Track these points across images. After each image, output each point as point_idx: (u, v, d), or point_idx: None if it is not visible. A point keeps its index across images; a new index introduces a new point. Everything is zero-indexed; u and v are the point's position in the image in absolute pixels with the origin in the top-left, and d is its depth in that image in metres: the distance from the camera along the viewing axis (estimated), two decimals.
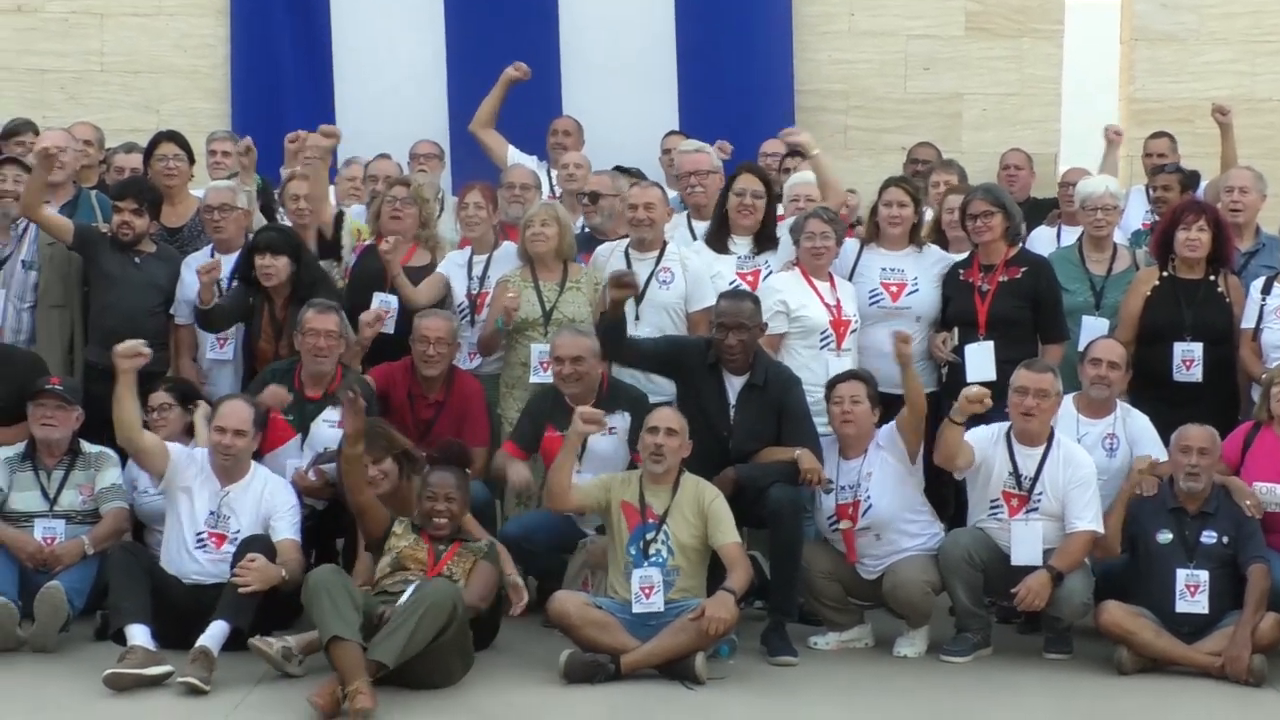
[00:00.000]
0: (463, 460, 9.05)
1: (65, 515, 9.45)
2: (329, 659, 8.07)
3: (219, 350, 10.23)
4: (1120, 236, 10.86)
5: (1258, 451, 9.44)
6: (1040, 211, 11.62)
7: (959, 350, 9.95)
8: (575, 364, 9.38)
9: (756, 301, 9.54)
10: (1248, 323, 10.05)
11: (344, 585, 8.27)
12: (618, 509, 8.94)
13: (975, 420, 9.17)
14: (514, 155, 12.08)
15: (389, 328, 10.08)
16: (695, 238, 10.43)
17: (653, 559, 8.83)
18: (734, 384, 9.45)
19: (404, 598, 8.20)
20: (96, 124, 12.09)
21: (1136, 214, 11.45)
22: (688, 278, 10.06)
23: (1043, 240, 11.19)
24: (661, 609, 8.71)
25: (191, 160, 11.26)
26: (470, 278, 10.42)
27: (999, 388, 9.30)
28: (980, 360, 9.78)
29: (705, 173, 10.73)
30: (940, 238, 10.68)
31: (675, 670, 8.60)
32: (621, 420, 9.52)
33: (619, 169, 11.39)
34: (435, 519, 8.66)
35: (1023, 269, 10.06)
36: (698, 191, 10.65)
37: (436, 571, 8.52)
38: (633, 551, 8.86)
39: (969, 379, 9.54)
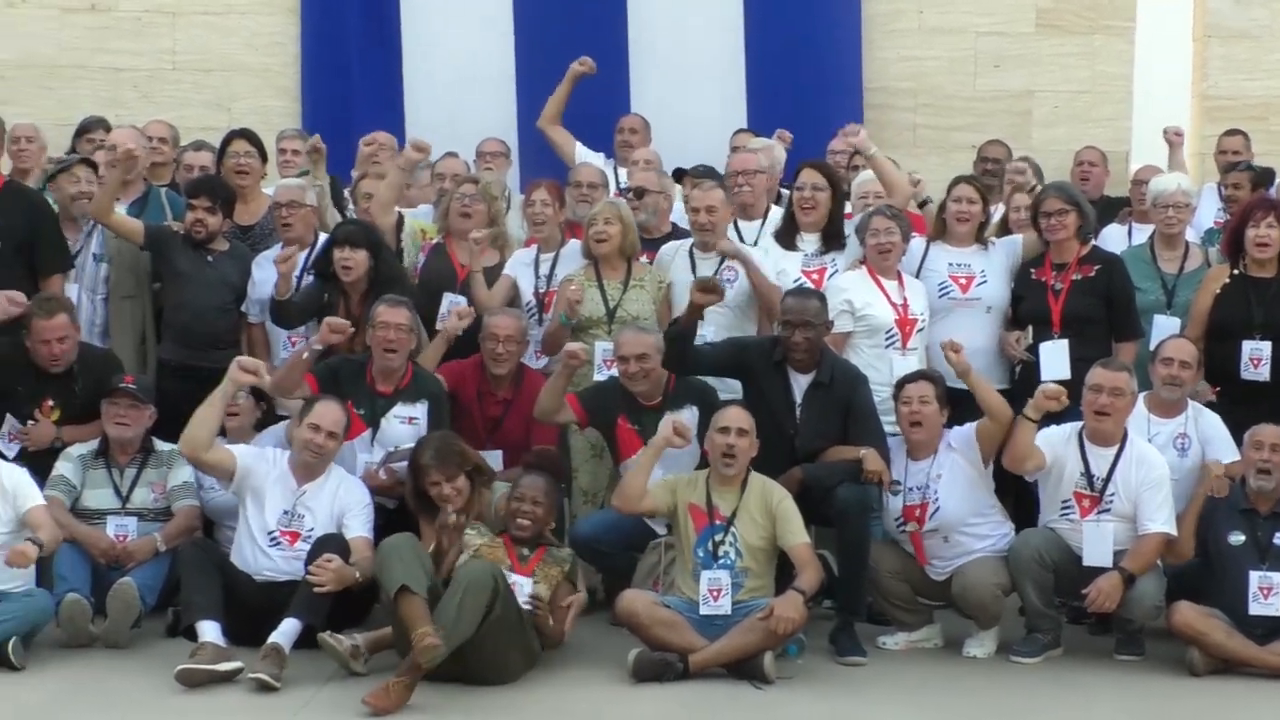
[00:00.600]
0: (557, 472, 9.05)
1: (137, 513, 9.51)
2: (395, 613, 8.15)
3: (292, 349, 10.22)
4: (1192, 235, 10.79)
5: None
6: (1112, 210, 11.55)
7: (1033, 349, 9.91)
8: (640, 361, 9.37)
9: (823, 299, 9.53)
10: None
11: (415, 550, 8.35)
12: (684, 511, 8.92)
13: (1048, 419, 9.12)
14: (581, 153, 12.09)
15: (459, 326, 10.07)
16: (741, 237, 10.40)
17: (721, 561, 8.81)
18: (800, 382, 9.41)
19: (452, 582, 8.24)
20: (169, 122, 12.11)
21: (1209, 212, 11.36)
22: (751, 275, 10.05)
23: (1114, 238, 11.09)
24: (729, 611, 8.70)
25: (264, 158, 11.28)
26: (537, 276, 10.42)
27: (1074, 386, 9.25)
28: (1055, 359, 9.74)
29: (752, 172, 10.71)
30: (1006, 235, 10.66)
31: (744, 669, 8.57)
32: (690, 414, 9.49)
33: (695, 169, 11.32)
34: (519, 519, 8.66)
35: (1096, 267, 10.04)
36: (744, 191, 10.63)
37: (525, 574, 8.56)
38: (700, 553, 8.84)
39: (1043, 378, 9.51)
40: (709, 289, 9.29)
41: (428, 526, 8.94)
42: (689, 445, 9.15)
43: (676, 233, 10.68)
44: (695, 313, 9.35)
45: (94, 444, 9.65)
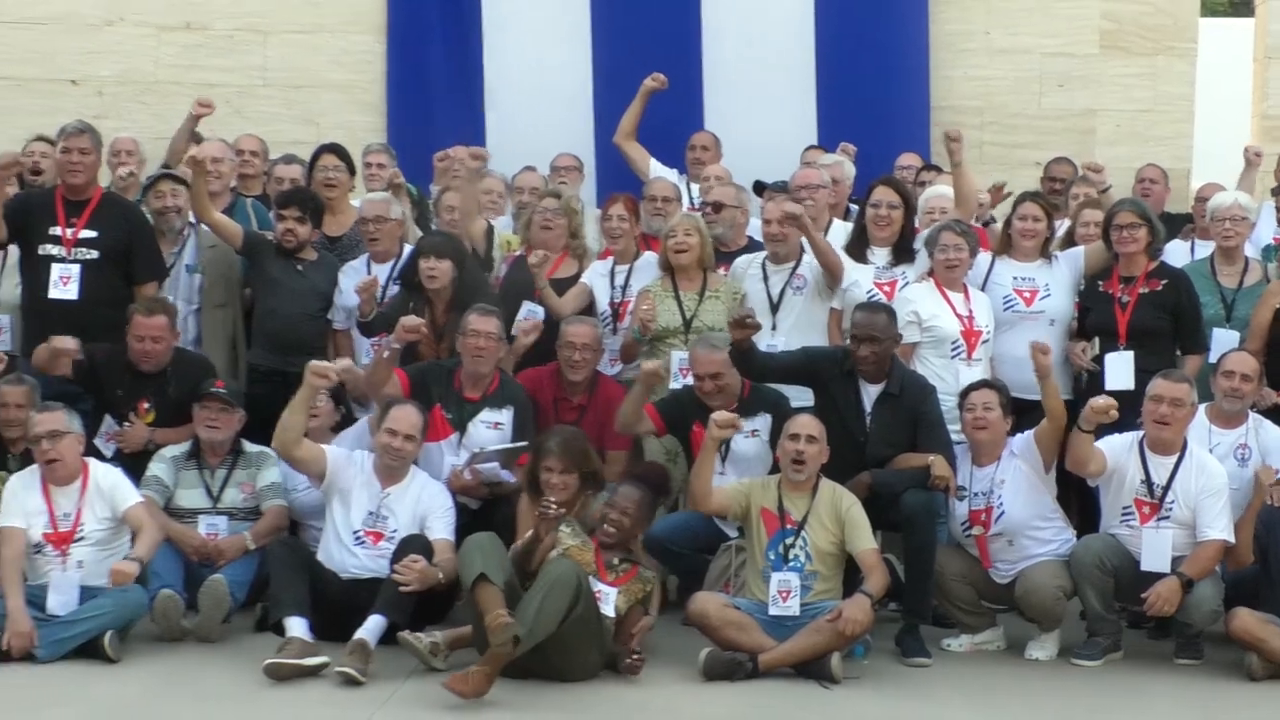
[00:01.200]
0: (660, 487, 9.06)
1: (227, 512, 9.58)
2: (472, 601, 8.17)
3: (372, 353, 10.27)
4: (1252, 251, 10.73)
5: None
6: (1172, 226, 11.49)
7: (1098, 359, 9.90)
8: (715, 380, 9.42)
9: (891, 313, 9.54)
10: None
11: (497, 546, 8.35)
12: (757, 514, 8.94)
13: (1107, 429, 9.09)
14: (655, 168, 12.08)
15: (535, 334, 10.13)
16: (804, 250, 10.35)
17: (791, 564, 8.83)
18: (870, 392, 9.43)
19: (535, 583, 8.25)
20: (259, 136, 12.21)
21: (1268, 229, 11.27)
22: (821, 286, 10.08)
23: (1177, 254, 11.02)
24: (798, 613, 8.72)
25: (352, 171, 11.36)
26: (613, 287, 10.47)
27: (1137, 397, 9.24)
28: (1120, 369, 9.74)
29: (814, 187, 10.77)
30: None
31: (811, 669, 8.58)
32: (763, 422, 9.55)
33: (773, 184, 11.34)
34: (606, 525, 8.69)
35: (1164, 281, 10.03)
36: (808, 205, 10.59)
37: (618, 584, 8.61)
38: (771, 556, 8.86)
39: (1108, 387, 9.53)
40: (744, 325, 9.34)
41: (531, 510, 8.94)
42: (739, 432, 9.21)
43: (752, 246, 10.67)
44: (741, 343, 9.41)
45: (186, 446, 9.72)
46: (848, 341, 9.50)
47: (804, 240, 10.18)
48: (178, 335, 10.10)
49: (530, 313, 10.21)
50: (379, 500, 9.17)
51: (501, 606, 7.96)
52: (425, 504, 9.17)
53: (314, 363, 9.17)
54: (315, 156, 11.32)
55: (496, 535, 8.61)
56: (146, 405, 9.92)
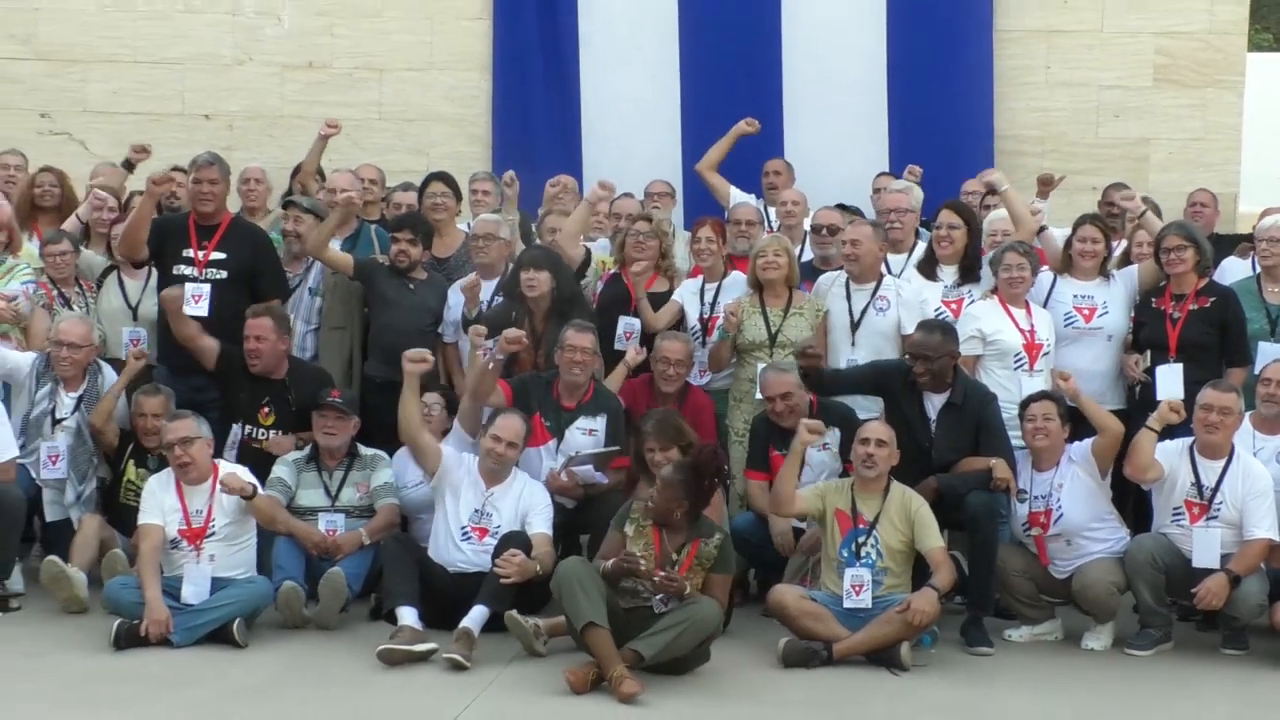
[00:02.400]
0: (712, 469, 8.91)
1: (344, 510, 9.61)
2: (581, 643, 8.17)
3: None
4: None
5: None
6: (1221, 246, 11.39)
7: (1150, 371, 9.84)
8: (785, 400, 9.42)
9: (945, 332, 9.50)
10: None
11: (592, 576, 8.31)
12: (832, 515, 8.93)
13: (1161, 434, 9.07)
14: (736, 195, 12.05)
15: (633, 346, 10.16)
16: (889, 269, 10.37)
17: (863, 560, 8.82)
18: (934, 402, 9.42)
19: (673, 611, 8.25)
20: (377, 165, 12.28)
21: None
22: (901, 305, 10.03)
23: (1236, 271, 10.90)
24: (869, 605, 8.72)
25: (458, 197, 11.37)
26: (702, 303, 10.43)
27: (1186, 406, 9.19)
28: (1170, 381, 9.66)
29: (903, 211, 10.78)
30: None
31: (882, 657, 8.58)
32: (833, 435, 9.52)
33: (841, 206, 11.34)
34: (663, 506, 8.51)
35: (1212, 299, 9.95)
36: (895, 227, 10.65)
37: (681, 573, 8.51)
38: (845, 553, 8.86)
39: (1159, 398, 9.44)
40: (808, 355, 9.48)
41: (645, 486, 9.03)
42: (823, 439, 9.19)
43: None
44: (812, 370, 9.51)
45: (306, 450, 9.79)
46: (907, 359, 9.50)
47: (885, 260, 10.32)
48: (286, 340, 10.12)
49: (628, 326, 10.25)
50: (484, 499, 9.21)
51: (618, 660, 7.98)
52: (526, 502, 9.21)
53: (409, 351, 9.28)
54: (424, 184, 11.33)
55: (586, 560, 8.68)
56: (266, 409, 10.00)
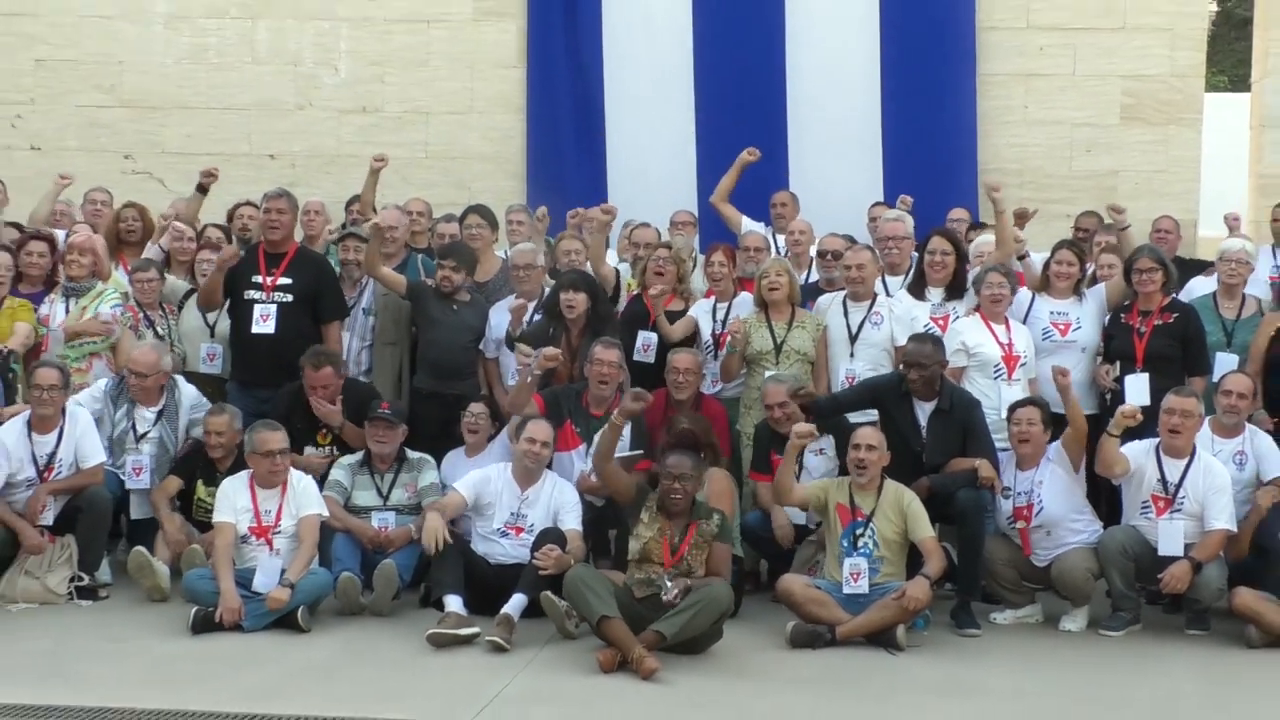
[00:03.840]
0: (695, 443, 8.97)
1: (395, 508, 9.62)
2: (600, 634, 8.21)
3: (517, 377, 10.34)
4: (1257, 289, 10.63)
5: None
6: (1182, 269, 11.34)
7: (1119, 380, 9.84)
8: (782, 408, 9.43)
9: (936, 343, 9.54)
10: None
11: (597, 577, 8.42)
12: (833, 509, 8.94)
13: (1130, 436, 9.08)
14: (746, 223, 12.01)
15: (650, 358, 10.16)
16: (888, 291, 10.37)
17: (861, 550, 8.83)
18: (924, 409, 9.41)
19: (691, 594, 8.27)
20: (425, 199, 12.28)
21: (1265, 269, 11.12)
22: (894, 320, 10.02)
23: (1203, 287, 10.83)
24: (866, 591, 8.72)
25: (494, 228, 11.36)
26: (714, 321, 10.42)
27: (1152, 412, 9.19)
28: (1137, 388, 9.66)
29: (900, 238, 10.71)
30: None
31: (880, 639, 8.58)
32: (828, 442, 9.55)
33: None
34: (673, 495, 8.56)
35: (1174, 315, 9.97)
36: (893, 252, 10.62)
37: (674, 563, 8.50)
38: (844, 544, 8.86)
39: (1127, 404, 9.42)
40: (796, 395, 9.49)
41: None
42: (814, 440, 9.16)
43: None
44: (808, 403, 9.52)
45: (360, 455, 9.79)
46: (901, 368, 9.50)
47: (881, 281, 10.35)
48: (343, 376, 10.14)
49: (646, 340, 10.25)
50: (519, 500, 9.22)
51: (636, 643, 8.04)
52: (557, 501, 9.22)
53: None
54: (463, 215, 11.33)
55: (590, 565, 8.76)
56: (324, 431, 10.04)
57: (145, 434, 9.91)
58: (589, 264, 10.89)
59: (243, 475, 9.29)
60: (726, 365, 10.17)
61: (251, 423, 9.56)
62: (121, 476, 9.82)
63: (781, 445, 9.29)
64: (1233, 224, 12.21)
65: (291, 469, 9.34)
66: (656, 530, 8.58)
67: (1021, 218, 11.68)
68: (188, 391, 10.14)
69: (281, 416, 9.68)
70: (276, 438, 9.22)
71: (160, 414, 9.96)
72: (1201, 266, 11.24)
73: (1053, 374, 9.39)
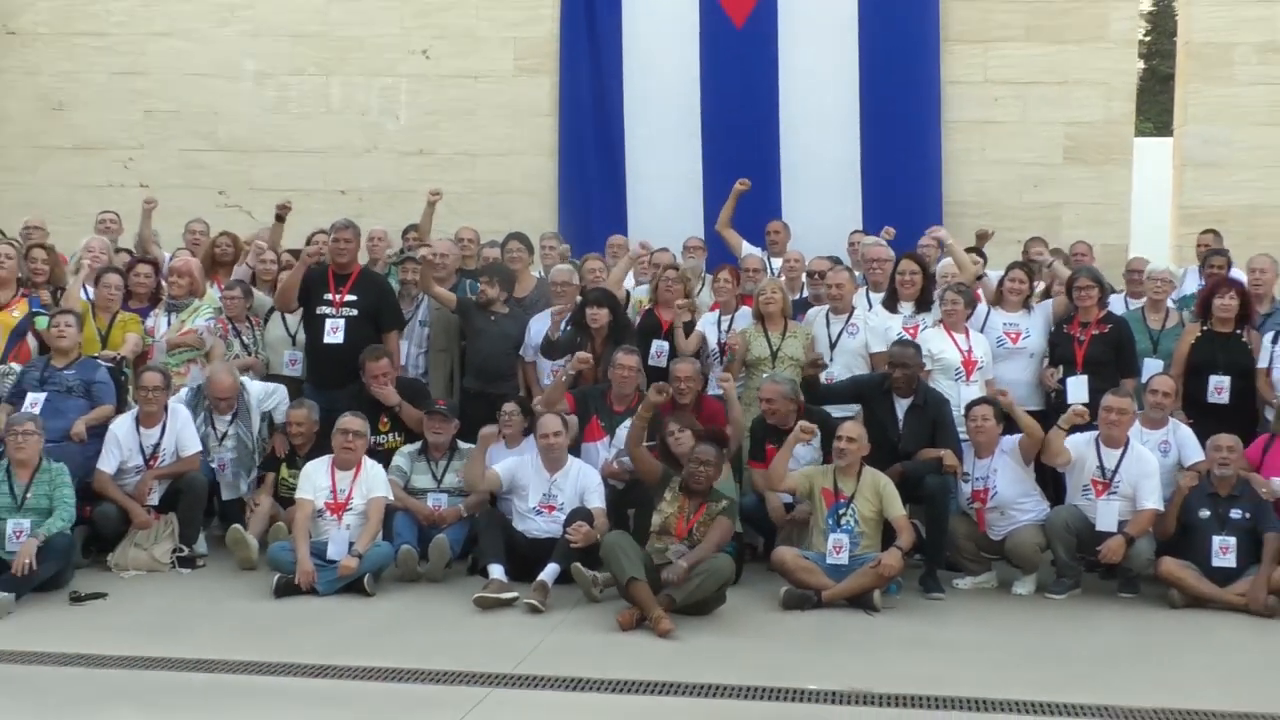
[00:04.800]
0: (723, 440, 9.05)
1: (447, 491, 9.63)
2: (626, 594, 8.20)
3: (551, 377, 10.33)
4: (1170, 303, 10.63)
5: (1271, 457, 9.24)
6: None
7: (1062, 381, 9.83)
8: (770, 404, 9.41)
9: (916, 348, 9.56)
10: (1262, 364, 9.78)
11: (631, 543, 8.38)
12: (818, 492, 8.94)
13: (1073, 429, 9.09)
14: (746, 248, 12.01)
15: (663, 363, 10.10)
16: (870, 305, 10.37)
17: (843, 527, 8.82)
18: (901, 405, 9.42)
19: (699, 566, 8.26)
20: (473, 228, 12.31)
21: (1192, 286, 11.08)
22: (868, 331, 10.02)
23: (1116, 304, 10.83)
24: (847, 562, 8.72)
25: (530, 251, 11.39)
26: (719, 331, 10.41)
27: (1092, 409, 9.21)
28: (1077, 389, 9.66)
29: (882, 260, 10.70)
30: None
31: (859, 601, 8.59)
32: (815, 435, 9.50)
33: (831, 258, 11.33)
34: (697, 476, 8.56)
35: (1109, 326, 9.97)
36: (876, 272, 10.60)
37: (685, 532, 8.49)
38: (829, 521, 8.85)
39: (1069, 402, 9.48)
40: (815, 364, 9.57)
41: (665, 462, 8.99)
42: (813, 438, 9.15)
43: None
44: (812, 377, 9.55)
45: (418, 445, 9.80)
46: (887, 368, 9.50)
47: (862, 296, 10.37)
48: (399, 369, 10.20)
49: (659, 348, 10.23)
50: (549, 484, 9.22)
51: (656, 605, 8.04)
52: (583, 483, 9.21)
53: (484, 429, 9.41)
54: (505, 241, 11.36)
55: (625, 533, 8.68)
56: (385, 421, 10.02)
57: (224, 435, 9.96)
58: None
59: (325, 459, 9.32)
60: (728, 369, 10.15)
61: (323, 416, 9.76)
62: (212, 465, 9.89)
63: (774, 437, 9.30)
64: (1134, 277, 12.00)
65: (366, 458, 9.36)
66: (676, 507, 8.60)
67: (983, 237, 11.71)
68: (254, 389, 10.18)
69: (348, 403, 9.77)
70: (355, 422, 9.30)
71: (234, 417, 10.00)
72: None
73: (996, 396, 9.46)
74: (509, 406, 9.79)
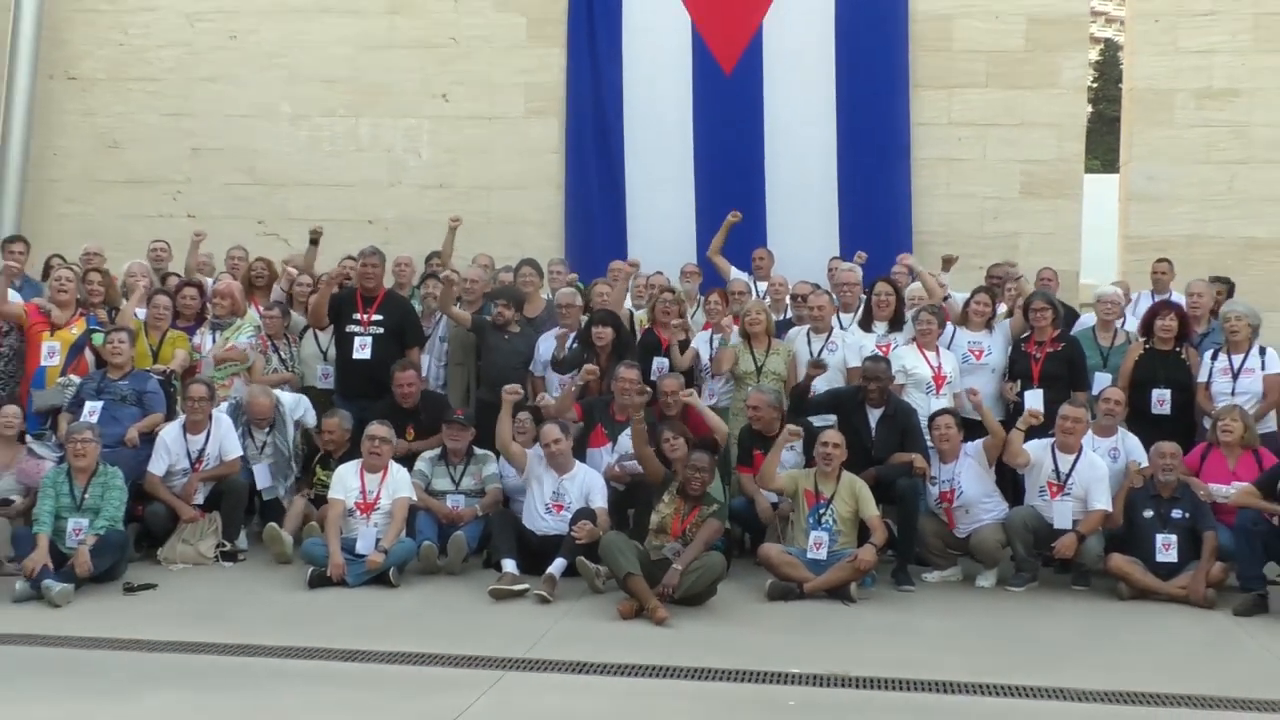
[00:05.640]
0: (714, 448, 9.04)
1: (464, 492, 9.62)
2: (624, 588, 8.21)
3: (559, 389, 10.32)
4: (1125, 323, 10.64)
5: (1209, 464, 9.26)
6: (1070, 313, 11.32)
7: (1020, 394, 9.83)
8: (756, 410, 9.43)
9: (887, 363, 9.60)
10: (1202, 378, 9.78)
11: (627, 542, 8.40)
12: (801, 493, 8.93)
13: (1029, 436, 9.11)
14: (735, 273, 12.00)
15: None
16: (842, 324, 10.38)
17: (823, 525, 8.82)
18: (874, 415, 9.44)
19: (698, 561, 8.29)
20: (489, 254, 12.31)
21: (1145, 308, 11.06)
22: (845, 348, 10.04)
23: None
24: (826, 557, 8.71)
25: (541, 275, 11.39)
26: (710, 347, 10.40)
27: (1048, 419, 9.22)
28: (1034, 401, 9.62)
29: (853, 284, 10.76)
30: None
31: (837, 593, 8.59)
32: (798, 441, 9.47)
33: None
34: (693, 480, 8.57)
35: (1063, 344, 9.98)
36: (846, 295, 10.67)
37: (679, 532, 8.49)
38: (810, 520, 8.85)
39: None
40: (819, 365, 9.57)
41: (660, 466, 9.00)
42: (797, 440, 9.14)
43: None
44: (808, 379, 9.58)
45: (438, 450, 9.78)
46: (861, 381, 9.51)
47: (838, 319, 10.38)
48: (424, 381, 10.19)
49: (659, 364, 10.23)
50: (558, 484, 9.20)
51: (653, 597, 8.04)
52: (588, 485, 9.19)
53: (506, 385, 9.36)
54: (518, 267, 11.38)
55: (621, 533, 8.67)
56: (411, 429, 10.03)
57: (263, 445, 9.97)
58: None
59: (355, 462, 9.31)
60: (717, 361, 10.18)
61: (353, 425, 9.78)
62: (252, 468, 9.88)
63: (763, 444, 9.31)
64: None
65: (393, 462, 9.34)
66: (673, 509, 8.60)
67: (948, 261, 11.71)
68: (286, 400, 10.17)
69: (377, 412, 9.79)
70: (381, 429, 9.30)
71: (270, 428, 10.00)
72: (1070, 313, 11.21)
73: (967, 396, 9.46)
74: (523, 415, 9.77)
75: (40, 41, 14.12)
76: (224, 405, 9.99)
